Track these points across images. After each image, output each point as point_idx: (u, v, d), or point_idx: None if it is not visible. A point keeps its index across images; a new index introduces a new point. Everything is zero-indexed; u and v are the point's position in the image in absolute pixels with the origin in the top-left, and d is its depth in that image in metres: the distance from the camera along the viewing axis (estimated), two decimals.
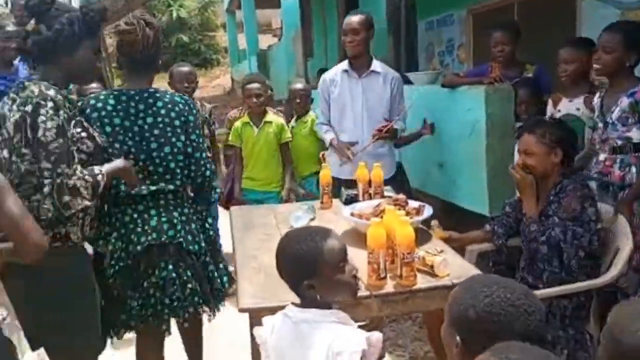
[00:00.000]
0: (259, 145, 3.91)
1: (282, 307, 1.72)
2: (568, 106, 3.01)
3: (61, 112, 1.88)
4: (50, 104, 1.85)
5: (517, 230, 2.51)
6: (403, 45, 4.84)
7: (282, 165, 3.97)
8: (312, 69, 8.13)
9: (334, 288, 1.55)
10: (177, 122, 2.21)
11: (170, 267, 2.14)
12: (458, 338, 1.20)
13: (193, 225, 2.27)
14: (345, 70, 3.44)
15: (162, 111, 2.20)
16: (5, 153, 1.87)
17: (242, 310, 1.78)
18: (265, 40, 14.94)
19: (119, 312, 2.14)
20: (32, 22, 2.02)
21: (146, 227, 2.15)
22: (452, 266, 1.96)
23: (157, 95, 2.21)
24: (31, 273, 1.78)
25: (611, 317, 1.13)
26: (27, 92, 1.86)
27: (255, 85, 3.88)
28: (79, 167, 1.89)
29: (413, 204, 2.44)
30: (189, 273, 2.19)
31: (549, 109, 3.17)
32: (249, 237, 2.49)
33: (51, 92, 1.88)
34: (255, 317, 1.78)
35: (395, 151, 3.63)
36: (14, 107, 1.87)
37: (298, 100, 4.07)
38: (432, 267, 1.92)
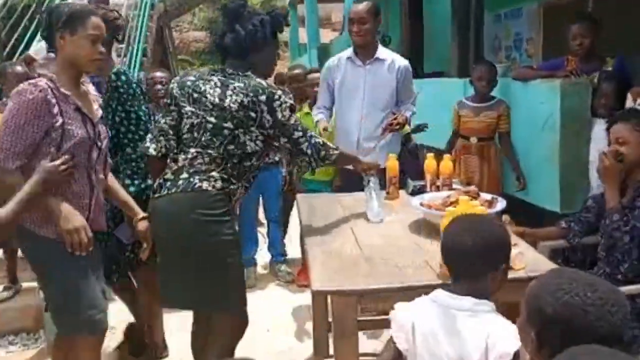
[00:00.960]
0: None
1: (353, 291, 1.74)
2: None
3: (290, 96, 2.28)
4: (279, 92, 2.17)
5: (596, 227, 2.43)
6: (472, 39, 4.73)
7: None
8: None
9: (502, 282, 1.58)
10: None
11: None
12: (533, 334, 1.17)
13: None
14: (349, 57, 3.36)
15: None
16: (212, 119, 2.14)
17: (315, 293, 1.81)
18: (325, 35, 14.92)
19: None
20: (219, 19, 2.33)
21: None
22: (527, 259, 1.91)
23: None
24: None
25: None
26: (253, 82, 2.15)
27: (296, 72, 4.27)
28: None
29: (485, 196, 2.39)
30: None
31: (628, 103, 3.04)
32: (317, 224, 2.51)
33: (273, 84, 2.25)
34: (322, 299, 1.82)
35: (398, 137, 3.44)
36: (233, 87, 2.13)
37: None
38: None
